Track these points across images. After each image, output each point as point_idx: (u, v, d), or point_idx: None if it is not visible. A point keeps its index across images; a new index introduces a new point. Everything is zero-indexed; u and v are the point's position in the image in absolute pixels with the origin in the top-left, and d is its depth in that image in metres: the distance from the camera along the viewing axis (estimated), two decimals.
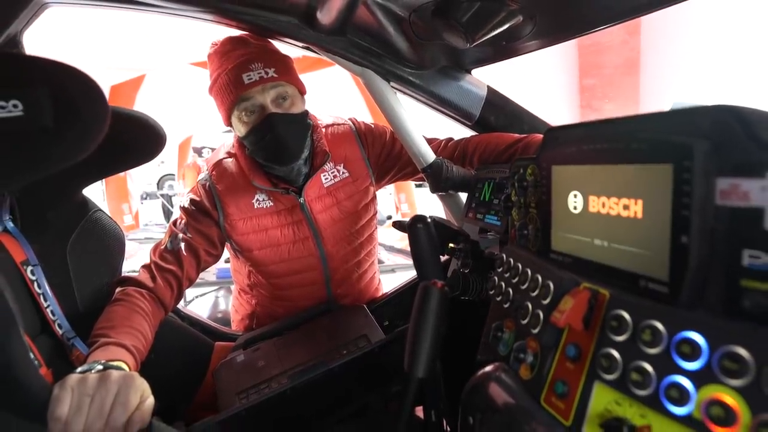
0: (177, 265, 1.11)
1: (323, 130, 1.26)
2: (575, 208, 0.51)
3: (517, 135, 1.16)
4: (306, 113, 1.16)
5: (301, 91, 1.15)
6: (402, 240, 5.08)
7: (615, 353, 0.42)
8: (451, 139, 1.30)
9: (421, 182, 1.37)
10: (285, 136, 1.08)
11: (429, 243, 0.69)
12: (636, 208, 0.43)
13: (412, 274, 1.43)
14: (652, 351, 0.39)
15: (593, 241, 0.49)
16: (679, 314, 0.39)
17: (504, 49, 1.09)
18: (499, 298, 0.67)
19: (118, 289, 0.99)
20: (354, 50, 1.10)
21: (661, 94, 4.24)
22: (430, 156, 1.19)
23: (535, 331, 0.54)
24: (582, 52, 4.69)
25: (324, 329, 1.17)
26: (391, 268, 3.74)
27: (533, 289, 0.57)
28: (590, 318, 0.48)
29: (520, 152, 1.10)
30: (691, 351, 0.36)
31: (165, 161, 8.56)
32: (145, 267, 1.09)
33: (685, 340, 0.37)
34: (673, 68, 4.15)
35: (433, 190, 1.20)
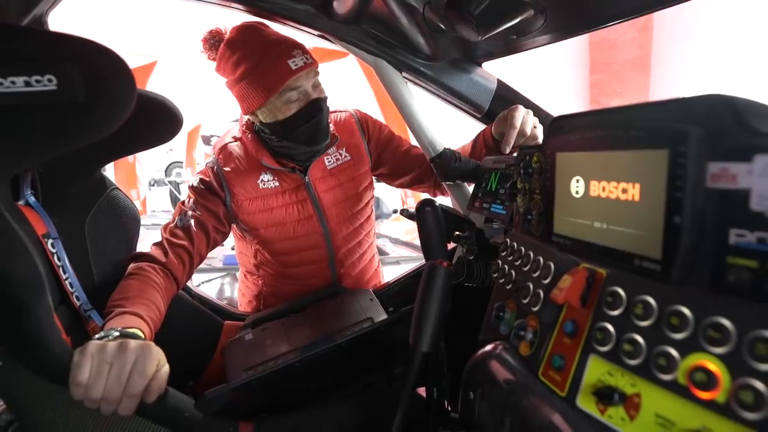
0: (188, 240, 1.14)
1: (331, 116, 1.31)
2: (577, 192, 0.54)
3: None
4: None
5: None
6: (408, 233, 5.11)
7: (609, 327, 0.45)
8: None
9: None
10: (324, 119, 1.16)
11: (436, 225, 0.72)
12: (634, 192, 0.46)
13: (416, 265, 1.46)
14: (644, 324, 0.42)
15: (593, 224, 0.52)
16: (669, 290, 0.41)
17: (514, 43, 1.11)
18: (501, 280, 0.70)
19: (132, 265, 1.02)
20: (368, 40, 1.12)
21: (670, 91, 4.23)
22: (439, 145, 1.22)
23: (536, 309, 0.57)
24: (593, 48, 4.66)
25: (330, 311, 1.20)
26: (396, 260, 3.77)
27: (534, 270, 0.60)
28: (588, 296, 0.50)
29: None
30: (679, 323, 0.39)
31: (173, 149, 8.61)
32: (157, 244, 1.13)
33: (673, 313, 0.40)
34: (683, 66, 4.14)
35: (442, 179, 1.23)
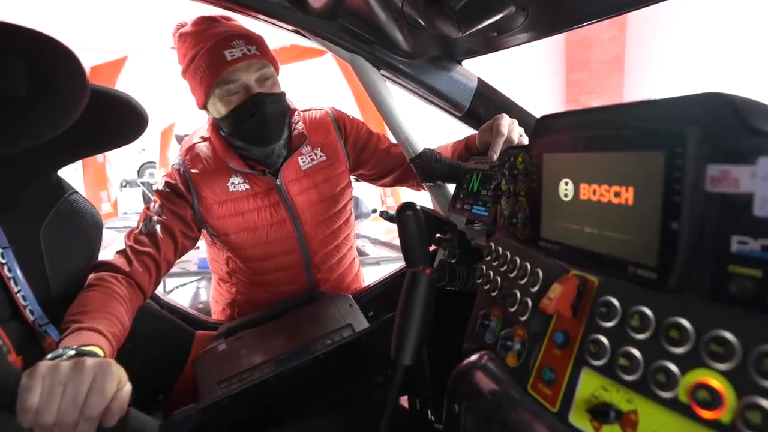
0: (154, 247, 1.08)
1: (301, 113, 1.25)
2: (566, 195, 0.51)
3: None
4: (285, 94, 1.15)
5: (277, 72, 1.13)
6: (387, 233, 5.07)
7: (603, 339, 0.43)
8: None
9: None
10: (269, 117, 1.07)
11: (417, 230, 0.69)
12: (627, 195, 0.43)
13: (397, 266, 1.43)
14: (640, 336, 0.40)
15: (583, 229, 0.49)
16: (667, 300, 0.39)
17: (495, 41, 1.09)
18: (486, 287, 0.67)
19: (91, 275, 0.96)
20: (345, 36, 1.08)
21: (644, 90, 4.31)
22: (419, 145, 1.19)
23: (524, 318, 0.54)
24: (569, 47, 4.71)
25: (308, 318, 1.16)
26: (376, 261, 3.73)
27: (521, 277, 0.57)
28: (579, 305, 0.48)
29: None
30: (679, 336, 0.37)
31: (146, 149, 8.37)
32: (120, 252, 1.06)
33: (672, 325, 0.37)
34: (656, 65, 4.22)
35: (421, 180, 1.20)
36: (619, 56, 4.52)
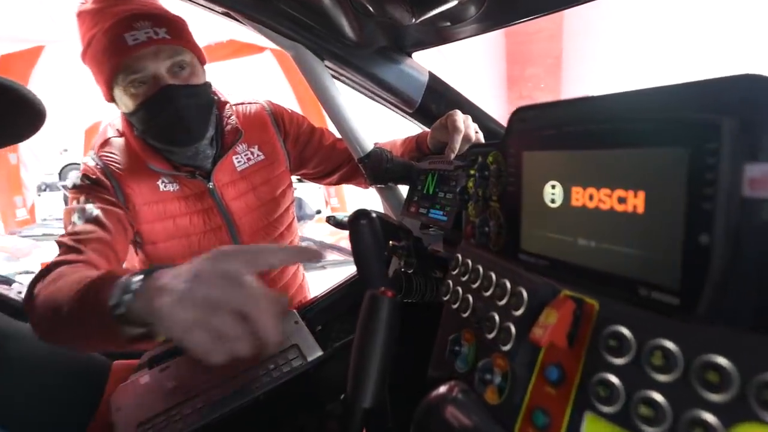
0: (101, 229, 0.89)
1: (234, 107, 1.11)
2: (553, 201, 0.43)
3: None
4: (209, 85, 1.00)
5: (201, 60, 0.98)
6: (333, 234, 4.93)
7: (614, 380, 0.35)
8: None
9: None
10: (185, 112, 0.91)
11: (374, 242, 0.58)
12: (636, 202, 0.35)
13: (345, 270, 1.32)
14: (665, 378, 0.32)
15: (576, 241, 0.41)
16: (696, 332, 0.31)
17: (447, 32, 1.01)
18: (455, 306, 0.58)
19: (40, 284, 0.75)
20: (283, 21, 0.96)
21: (582, 84, 4.45)
22: (368, 144, 1.08)
23: (507, 348, 0.45)
24: (509, 41, 4.76)
25: None
26: (322, 265, 3.59)
27: (499, 297, 0.49)
28: (575, 333, 0.40)
29: None
30: (719, 380, 0.29)
31: (68, 149, 7.60)
32: (63, 249, 0.85)
33: (708, 366, 0.30)
34: (593, 59, 4.36)
35: (371, 181, 1.10)
36: (556, 50, 4.60)
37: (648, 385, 0.33)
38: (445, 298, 0.61)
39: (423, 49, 1.13)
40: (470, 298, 0.55)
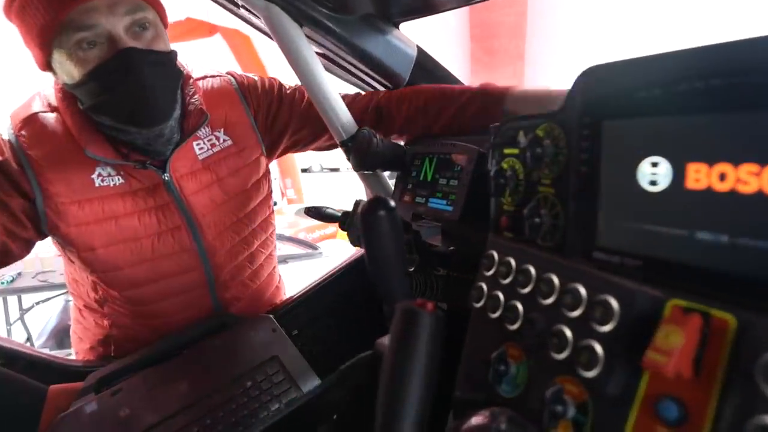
0: None
1: (195, 82, 0.94)
2: (654, 183, 0.33)
3: (454, 87, 0.95)
4: (176, 54, 0.83)
5: (164, 23, 0.81)
6: (291, 227, 4.73)
7: None
8: (358, 93, 1.07)
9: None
10: (150, 81, 0.74)
11: (395, 241, 0.46)
12: None
13: (308, 264, 1.18)
14: None
15: (693, 235, 0.31)
16: None
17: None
18: (495, 315, 0.47)
19: None
20: None
21: (545, 55, 4.44)
22: (352, 125, 0.96)
23: (591, 373, 0.35)
24: (473, 11, 4.68)
25: (218, 352, 0.88)
26: (284, 259, 3.39)
27: (570, 307, 0.38)
28: (702, 358, 0.30)
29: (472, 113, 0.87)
30: None
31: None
32: None
33: None
34: (556, 32, 4.37)
35: (356, 167, 0.97)
36: (519, 22, 4.57)
37: None
38: (477, 305, 0.50)
39: (411, 19, 1.01)
40: (519, 307, 0.44)
